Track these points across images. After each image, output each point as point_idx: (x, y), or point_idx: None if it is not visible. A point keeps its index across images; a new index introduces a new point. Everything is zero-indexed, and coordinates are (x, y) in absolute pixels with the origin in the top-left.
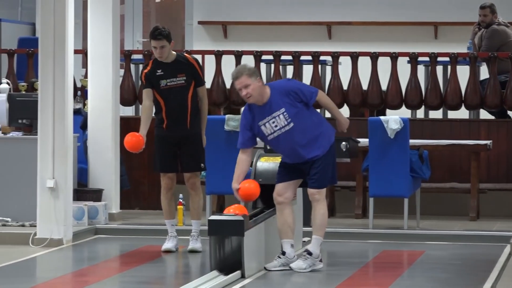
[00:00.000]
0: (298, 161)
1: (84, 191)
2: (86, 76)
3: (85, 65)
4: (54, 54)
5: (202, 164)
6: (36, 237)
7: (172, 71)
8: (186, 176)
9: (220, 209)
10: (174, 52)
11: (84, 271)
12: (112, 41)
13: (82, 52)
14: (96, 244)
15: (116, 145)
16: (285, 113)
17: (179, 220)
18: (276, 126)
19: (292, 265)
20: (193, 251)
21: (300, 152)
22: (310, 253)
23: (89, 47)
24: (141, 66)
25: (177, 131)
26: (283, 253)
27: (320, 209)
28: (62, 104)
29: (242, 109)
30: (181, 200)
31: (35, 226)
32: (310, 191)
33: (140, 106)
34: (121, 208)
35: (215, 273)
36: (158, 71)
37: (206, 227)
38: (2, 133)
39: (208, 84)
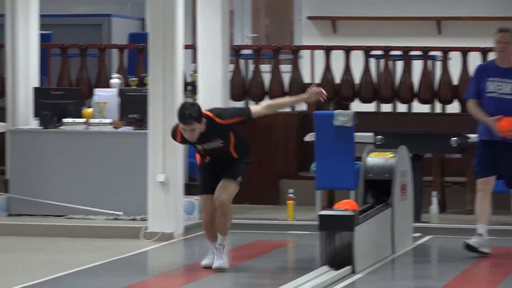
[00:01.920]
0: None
1: (194, 185)
2: (196, 71)
3: (194, 60)
4: (164, 49)
5: (239, 177)
6: (147, 231)
7: (206, 137)
8: (217, 190)
9: (330, 205)
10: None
11: (194, 265)
12: (221, 36)
13: (191, 47)
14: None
15: None
16: None
17: (289, 215)
18: (499, 89)
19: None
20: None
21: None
22: None
23: (198, 42)
24: (250, 62)
25: (223, 166)
26: (480, 235)
27: None
28: (172, 98)
29: (351, 104)
30: (292, 195)
31: (146, 220)
32: None
33: (250, 102)
34: (232, 202)
35: (325, 268)
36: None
37: (316, 222)
38: (114, 127)
39: (317, 79)
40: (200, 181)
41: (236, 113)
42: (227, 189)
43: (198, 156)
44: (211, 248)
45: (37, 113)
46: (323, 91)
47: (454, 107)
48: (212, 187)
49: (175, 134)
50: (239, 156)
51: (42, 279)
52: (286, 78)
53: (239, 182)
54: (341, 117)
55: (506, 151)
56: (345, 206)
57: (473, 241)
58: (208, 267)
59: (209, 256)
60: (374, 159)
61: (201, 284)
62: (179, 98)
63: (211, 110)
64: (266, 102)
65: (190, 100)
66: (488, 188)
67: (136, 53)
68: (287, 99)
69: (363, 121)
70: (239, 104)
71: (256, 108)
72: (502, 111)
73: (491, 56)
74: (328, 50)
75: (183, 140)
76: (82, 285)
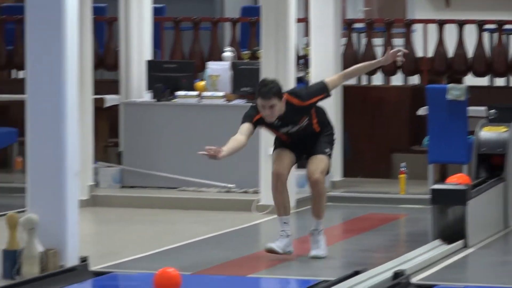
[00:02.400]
0: None
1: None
2: (308, 44)
3: (307, 33)
4: (276, 23)
5: (327, 149)
6: (259, 204)
7: (290, 121)
8: (308, 164)
9: (442, 179)
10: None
11: (305, 239)
12: (334, 9)
13: (304, 20)
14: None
15: (338, 113)
16: None
17: (401, 189)
18: None
19: None
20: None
21: None
22: None
23: (311, 16)
24: (362, 36)
25: (304, 144)
26: None
27: None
28: (284, 72)
29: (464, 78)
30: (404, 169)
31: (258, 193)
32: None
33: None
34: (344, 176)
35: (437, 242)
36: (275, 122)
37: (428, 196)
38: (226, 100)
39: (430, 53)
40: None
41: (316, 92)
42: (319, 165)
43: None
44: (280, 226)
45: (150, 86)
46: (401, 52)
47: None
48: (289, 149)
49: (251, 117)
50: (321, 129)
51: (155, 250)
52: None
53: (328, 155)
54: (454, 91)
55: None
56: (457, 180)
57: None
58: (272, 251)
59: (278, 239)
60: (487, 133)
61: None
62: (292, 72)
63: (289, 93)
64: (342, 71)
65: (302, 73)
66: None
67: (249, 26)
68: (362, 64)
69: (476, 95)
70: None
71: (332, 80)
72: None
73: None
74: (441, 24)
75: (261, 122)
76: (193, 257)
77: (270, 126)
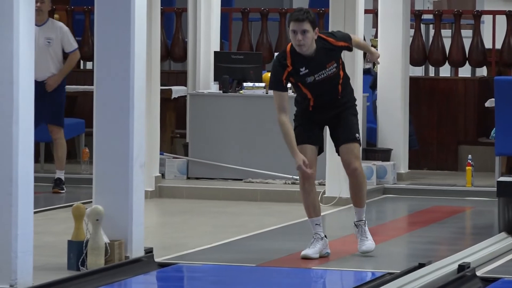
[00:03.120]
0: None
1: (373, 150)
2: (376, 35)
3: (375, 25)
4: (345, 14)
5: (357, 135)
6: (325, 195)
7: (319, 64)
8: (343, 153)
9: (509, 171)
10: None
11: (372, 230)
12: (402, 1)
13: (373, 12)
14: (385, 204)
15: (405, 105)
16: None
17: (467, 181)
18: None
19: None
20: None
21: None
22: None
23: (379, 7)
24: (431, 27)
25: (327, 113)
26: None
27: None
28: (352, 63)
29: None
30: (470, 161)
31: (324, 184)
32: None
33: (429, 68)
34: (409, 168)
35: (503, 234)
36: (301, 69)
37: (495, 189)
38: (293, 92)
39: (498, 45)
40: (297, 131)
41: (345, 38)
42: (354, 153)
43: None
44: (312, 228)
45: (217, 77)
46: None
47: None
48: (311, 136)
49: (280, 81)
50: (343, 97)
51: (220, 242)
52: (467, 43)
53: (359, 140)
54: None
55: None
56: None
57: None
58: (307, 258)
59: (312, 243)
60: None
61: (378, 248)
62: (360, 63)
63: (322, 32)
64: (361, 39)
65: (369, 65)
66: None
67: (317, 17)
68: (364, 44)
69: None
70: (418, 70)
71: (354, 37)
72: None
73: None
74: (510, 15)
75: (288, 79)
76: (259, 248)
77: (297, 78)
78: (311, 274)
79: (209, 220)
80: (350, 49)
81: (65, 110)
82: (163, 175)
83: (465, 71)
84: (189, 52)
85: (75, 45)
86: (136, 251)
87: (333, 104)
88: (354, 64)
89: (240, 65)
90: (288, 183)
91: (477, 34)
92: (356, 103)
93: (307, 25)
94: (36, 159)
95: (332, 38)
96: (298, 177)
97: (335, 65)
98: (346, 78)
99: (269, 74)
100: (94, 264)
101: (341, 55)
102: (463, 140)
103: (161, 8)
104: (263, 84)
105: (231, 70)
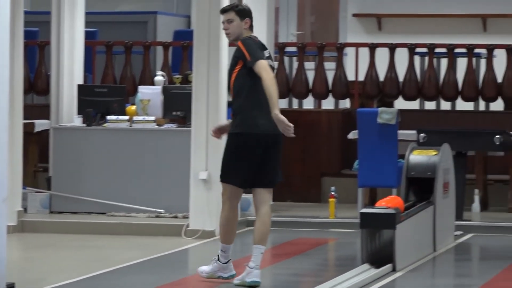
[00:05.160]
0: None
1: None
2: None
3: None
4: (209, 47)
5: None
6: (188, 228)
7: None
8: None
9: (372, 202)
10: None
11: (236, 263)
12: (266, 33)
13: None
14: (249, 236)
15: None
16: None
17: (331, 213)
18: None
19: None
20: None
21: None
22: None
23: None
24: (294, 59)
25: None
26: None
27: None
28: (216, 96)
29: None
30: (333, 193)
31: (188, 217)
32: None
33: (293, 98)
34: (273, 200)
35: (366, 266)
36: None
37: (358, 220)
38: (157, 125)
39: (361, 77)
40: None
41: (254, 55)
42: None
43: None
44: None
45: (81, 111)
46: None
47: (498, 105)
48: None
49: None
50: (236, 101)
51: (84, 276)
52: (330, 75)
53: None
54: (385, 115)
55: None
56: (389, 203)
57: None
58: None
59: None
60: (417, 157)
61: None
62: (224, 96)
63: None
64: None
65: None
66: None
67: (181, 50)
68: (270, 94)
69: (406, 119)
70: (282, 102)
71: (264, 64)
72: None
73: None
74: (372, 47)
75: None
76: (123, 282)
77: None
78: None
79: (72, 255)
80: (246, 63)
81: None
82: (25, 209)
83: (328, 103)
84: (52, 85)
85: None
86: None
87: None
88: (217, 97)
89: (103, 98)
90: (152, 217)
91: (340, 66)
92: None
93: (232, 15)
94: None
95: (240, 40)
96: (161, 211)
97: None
98: (241, 82)
99: (133, 107)
100: None
101: (239, 58)
102: (326, 172)
103: (24, 41)
104: (126, 117)
105: (94, 103)
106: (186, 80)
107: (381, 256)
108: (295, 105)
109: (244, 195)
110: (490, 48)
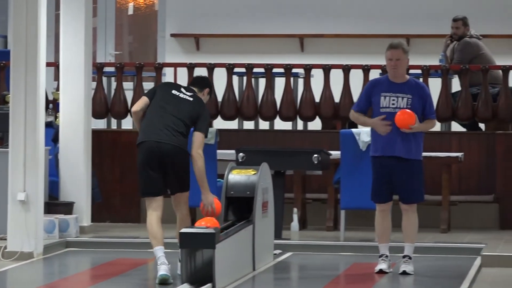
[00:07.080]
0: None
1: (55, 204)
2: (58, 89)
3: (57, 77)
4: (26, 67)
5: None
6: (6, 250)
7: None
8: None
9: (192, 222)
10: None
11: (54, 285)
12: (84, 53)
13: (54, 64)
14: (67, 257)
15: (87, 158)
16: (409, 99)
17: None
18: (393, 104)
19: (406, 269)
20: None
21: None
22: (410, 258)
23: (61, 60)
24: (113, 79)
25: None
26: (387, 256)
27: None
28: (33, 117)
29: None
30: None
31: (6, 239)
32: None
33: (112, 119)
34: (92, 221)
35: (186, 286)
36: None
37: (177, 240)
38: None
39: None
40: None
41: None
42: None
43: None
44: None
45: None
46: None
47: (315, 124)
48: None
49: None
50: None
51: None
52: None
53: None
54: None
55: (400, 168)
56: (206, 224)
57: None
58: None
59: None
60: (236, 176)
61: None
62: (42, 116)
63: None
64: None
65: (51, 118)
66: (387, 208)
67: None
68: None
69: (225, 138)
70: (100, 123)
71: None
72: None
73: (354, 73)
74: (191, 67)
75: None
76: None
77: None
78: None
79: None
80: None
81: None
82: None
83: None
84: None
85: None
86: None
87: None
88: (35, 117)
89: None
90: None
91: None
92: (40, 156)
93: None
94: None
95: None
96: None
97: None
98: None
99: None
100: None
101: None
102: None
103: None
104: None
105: None
106: (4, 101)
107: (201, 275)
108: (114, 126)
109: (60, 216)
110: (308, 68)
